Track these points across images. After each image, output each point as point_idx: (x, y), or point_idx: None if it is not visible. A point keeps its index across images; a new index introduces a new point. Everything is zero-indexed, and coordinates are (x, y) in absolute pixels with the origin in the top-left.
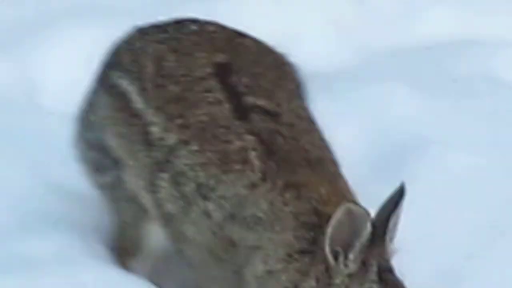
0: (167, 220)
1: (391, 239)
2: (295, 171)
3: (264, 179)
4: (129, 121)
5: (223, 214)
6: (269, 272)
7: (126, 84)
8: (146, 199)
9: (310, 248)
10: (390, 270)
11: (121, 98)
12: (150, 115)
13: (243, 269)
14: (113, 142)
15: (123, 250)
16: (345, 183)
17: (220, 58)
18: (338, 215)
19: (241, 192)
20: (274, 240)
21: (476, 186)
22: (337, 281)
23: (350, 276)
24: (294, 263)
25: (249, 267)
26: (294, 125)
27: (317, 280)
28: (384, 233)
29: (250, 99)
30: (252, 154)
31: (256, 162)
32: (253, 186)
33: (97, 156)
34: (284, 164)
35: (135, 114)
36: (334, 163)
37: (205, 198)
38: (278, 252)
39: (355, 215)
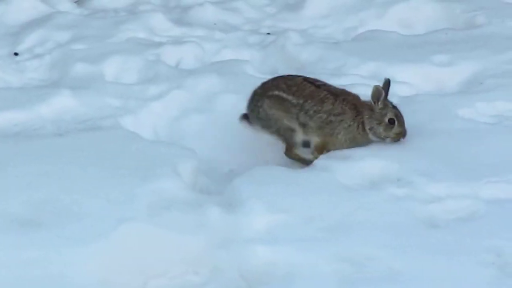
0: (304, 128)
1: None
2: (346, 96)
3: (335, 100)
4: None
5: (325, 115)
6: (348, 128)
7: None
8: (296, 126)
9: (359, 117)
10: (397, 107)
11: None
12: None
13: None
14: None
15: (291, 150)
16: (358, 97)
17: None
18: (372, 90)
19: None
20: (347, 115)
21: None
22: (377, 110)
23: (381, 109)
24: (356, 121)
25: (342, 124)
26: (332, 86)
27: (370, 116)
28: (387, 94)
29: (318, 83)
30: (327, 95)
31: (331, 97)
32: (333, 103)
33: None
34: (340, 96)
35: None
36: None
37: (316, 113)
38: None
39: (378, 88)
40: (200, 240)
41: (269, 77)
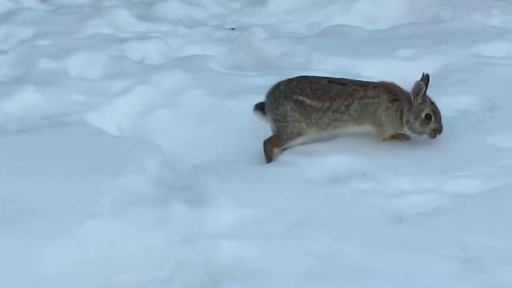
0: (330, 126)
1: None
2: (376, 83)
3: (365, 89)
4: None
5: (358, 102)
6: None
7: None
8: (310, 131)
9: (398, 103)
10: (435, 103)
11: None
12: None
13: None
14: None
15: (274, 145)
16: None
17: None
18: (413, 84)
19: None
20: (382, 98)
21: None
22: (415, 104)
23: (420, 104)
24: (395, 104)
25: (380, 106)
26: (359, 80)
27: (409, 109)
28: (426, 89)
29: (344, 81)
30: (355, 87)
31: (360, 88)
32: (364, 91)
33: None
34: (370, 84)
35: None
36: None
37: (348, 106)
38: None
39: (419, 83)
40: (166, 236)
41: (233, 72)
